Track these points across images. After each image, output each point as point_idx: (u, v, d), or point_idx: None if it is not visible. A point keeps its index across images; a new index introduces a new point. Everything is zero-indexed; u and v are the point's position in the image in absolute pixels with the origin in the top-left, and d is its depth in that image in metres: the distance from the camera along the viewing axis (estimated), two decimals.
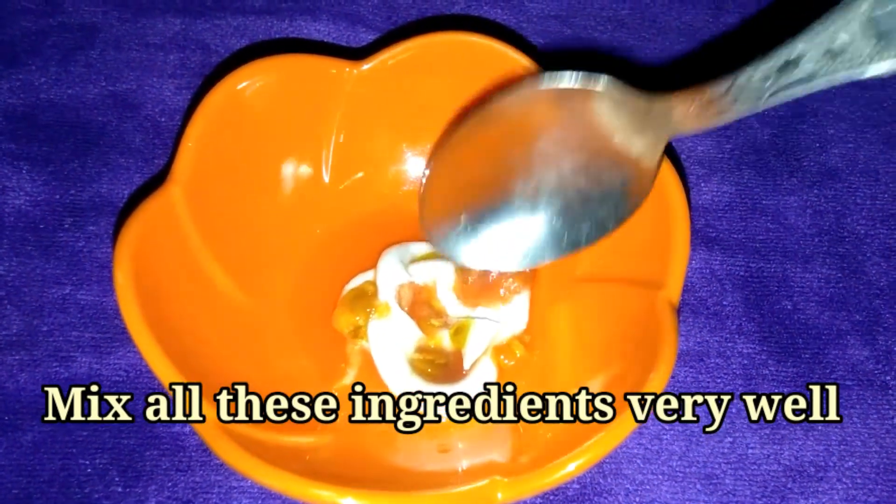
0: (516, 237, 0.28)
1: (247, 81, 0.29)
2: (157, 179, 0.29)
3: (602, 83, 0.24)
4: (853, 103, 0.37)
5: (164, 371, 0.24)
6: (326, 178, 0.32)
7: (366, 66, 0.31)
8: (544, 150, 0.26)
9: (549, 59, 0.38)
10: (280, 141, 0.31)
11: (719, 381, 0.31)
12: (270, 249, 0.31)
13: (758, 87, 0.22)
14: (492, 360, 0.30)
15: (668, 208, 0.27)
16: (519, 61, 0.31)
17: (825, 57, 0.20)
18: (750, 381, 0.31)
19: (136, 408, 0.29)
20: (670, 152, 0.35)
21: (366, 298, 0.30)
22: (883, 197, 0.35)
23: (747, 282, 0.33)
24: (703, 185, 0.35)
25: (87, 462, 0.28)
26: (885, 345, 0.32)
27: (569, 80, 0.25)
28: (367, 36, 0.38)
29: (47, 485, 0.28)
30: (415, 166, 0.33)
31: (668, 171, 0.28)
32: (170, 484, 0.28)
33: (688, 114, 0.24)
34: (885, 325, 0.32)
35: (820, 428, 0.30)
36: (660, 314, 0.26)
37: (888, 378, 0.31)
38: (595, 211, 0.27)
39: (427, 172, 0.28)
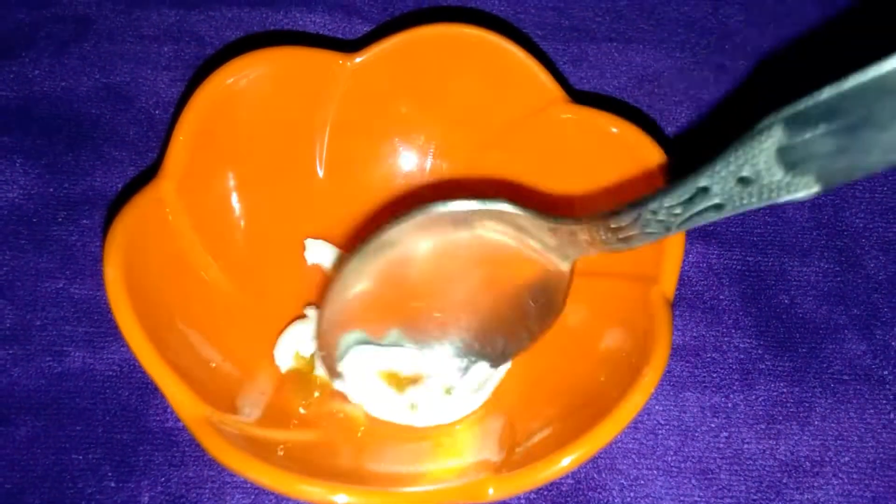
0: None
1: (239, 74, 0.29)
2: (151, 172, 0.29)
3: (502, 206, 0.24)
4: None
5: (154, 367, 0.23)
6: (320, 172, 0.32)
7: (359, 58, 0.31)
8: (446, 275, 0.26)
9: (547, 51, 0.38)
10: (273, 134, 0.31)
11: (715, 375, 0.31)
12: (263, 243, 0.31)
13: (668, 215, 0.21)
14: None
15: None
16: (515, 54, 0.30)
17: (736, 187, 0.20)
18: (746, 376, 0.31)
19: (129, 402, 0.29)
20: (665, 143, 0.35)
21: (305, 381, 0.29)
22: (881, 190, 0.35)
23: (744, 276, 0.33)
24: None
25: (80, 457, 0.28)
26: (882, 339, 0.32)
27: (466, 203, 0.24)
28: (363, 27, 0.38)
29: (40, 480, 0.28)
30: (409, 160, 0.33)
31: (664, 165, 0.28)
32: (163, 479, 0.28)
33: (594, 240, 0.24)
34: (883, 319, 0.32)
35: (816, 423, 0.30)
36: (654, 308, 0.26)
37: (885, 372, 0.31)
38: (505, 334, 0.27)
39: (325, 304, 0.26)
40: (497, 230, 0.25)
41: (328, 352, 0.27)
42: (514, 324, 0.27)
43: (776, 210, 0.34)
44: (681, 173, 0.21)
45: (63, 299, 0.31)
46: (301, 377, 0.29)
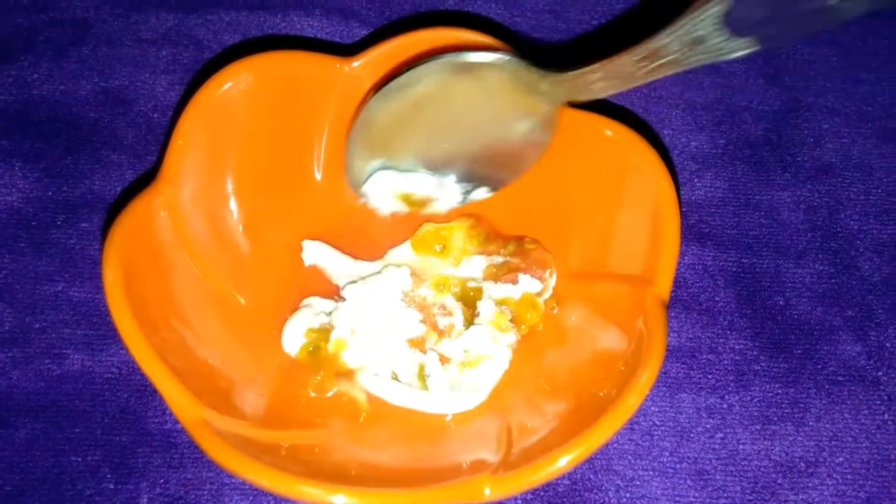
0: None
1: (237, 78, 0.29)
2: (149, 176, 0.29)
3: (501, 58, 0.28)
4: (847, 98, 0.37)
5: (153, 369, 0.24)
6: (318, 175, 0.32)
7: (357, 62, 0.31)
8: (452, 114, 0.30)
9: (543, 53, 0.38)
10: (271, 137, 0.31)
11: (710, 376, 0.31)
12: (261, 246, 0.31)
13: (634, 66, 0.26)
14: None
15: (658, 205, 0.27)
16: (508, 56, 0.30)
17: (688, 45, 0.24)
18: (741, 377, 0.31)
19: (128, 404, 0.30)
20: (662, 148, 0.35)
21: (316, 357, 0.30)
22: (876, 192, 0.35)
23: (740, 277, 0.33)
24: (696, 180, 0.35)
25: (80, 459, 0.29)
26: (877, 340, 0.32)
27: (472, 54, 0.28)
28: (360, 31, 0.38)
29: (39, 481, 0.28)
30: None
31: (658, 168, 0.28)
32: (161, 481, 0.28)
33: (575, 87, 0.28)
34: (878, 320, 0.32)
35: (811, 424, 0.30)
36: (649, 310, 0.26)
37: (879, 374, 0.31)
38: (498, 168, 0.31)
39: (351, 135, 0.30)
40: (497, 77, 0.28)
41: (355, 176, 0.31)
42: (509, 154, 0.31)
43: (771, 212, 0.34)
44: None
45: (62, 302, 0.31)
46: (312, 354, 0.30)
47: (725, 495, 0.29)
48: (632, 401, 0.24)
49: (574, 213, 0.31)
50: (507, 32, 0.38)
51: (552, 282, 0.31)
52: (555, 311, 0.30)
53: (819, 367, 0.31)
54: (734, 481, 0.29)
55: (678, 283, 0.33)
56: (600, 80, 0.27)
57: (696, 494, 0.29)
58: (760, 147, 0.36)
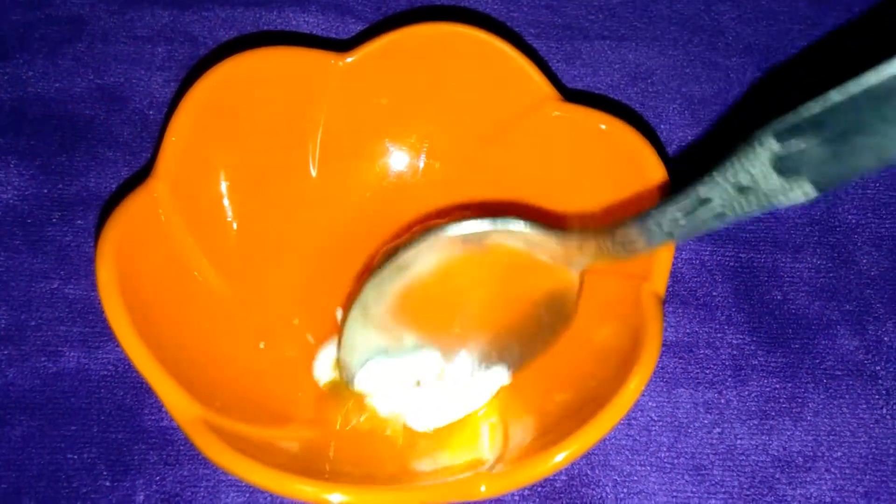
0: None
1: (232, 74, 0.29)
2: (145, 173, 0.29)
3: (512, 225, 0.26)
4: None
5: (147, 367, 0.24)
6: (313, 172, 0.32)
7: (351, 57, 0.31)
8: (461, 289, 0.28)
9: (539, 49, 0.38)
10: (266, 134, 0.31)
11: (708, 371, 0.31)
12: (257, 243, 0.31)
13: (670, 226, 0.23)
14: None
15: (654, 200, 0.27)
16: (508, 52, 0.30)
17: (735, 195, 0.21)
18: (739, 372, 0.31)
19: (124, 402, 0.29)
20: (658, 141, 0.35)
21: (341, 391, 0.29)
22: (874, 186, 0.35)
23: (737, 272, 0.33)
24: (693, 174, 0.35)
25: (76, 456, 0.29)
26: (874, 334, 0.32)
27: (477, 224, 0.26)
28: (356, 27, 0.38)
29: (36, 479, 0.28)
30: (402, 159, 0.33)
31: (654, 162, 0.28)
32: (158, 478, 0.28)
33: (600, 251, 0.25)
34: (875, 314, 0.32)
35: (809, 418, 0.30)
36: (645, 305, 0.26)
37: (878, 368, 0.31)
38: (521, 342, 0.29)
39: (345, 319, 0.28)
40: (508, 246, 0.26)
41: (348, 373, 0.29)
42: (529, 331, 0.28)
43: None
44: (682, 183, 0.22)
45: (57, 299, 0.31)
46: (337, 388, 0.29)
47: (723, 490, 0.29)
48: (629, 396, 0.24)
49: (569, 207, 0.30)
50: (503, 27, 0.38)
51: None
52: None
53: (817, 361, 0.31)
54: (732, 476, 0.29)
55: (675, 278, 0.33)
56: (634, 242, 0.24)
57: (694, 489, 0.29)
58: None
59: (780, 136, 0.19)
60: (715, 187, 0.21)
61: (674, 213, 0.22)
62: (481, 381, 0.29)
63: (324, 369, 0.30)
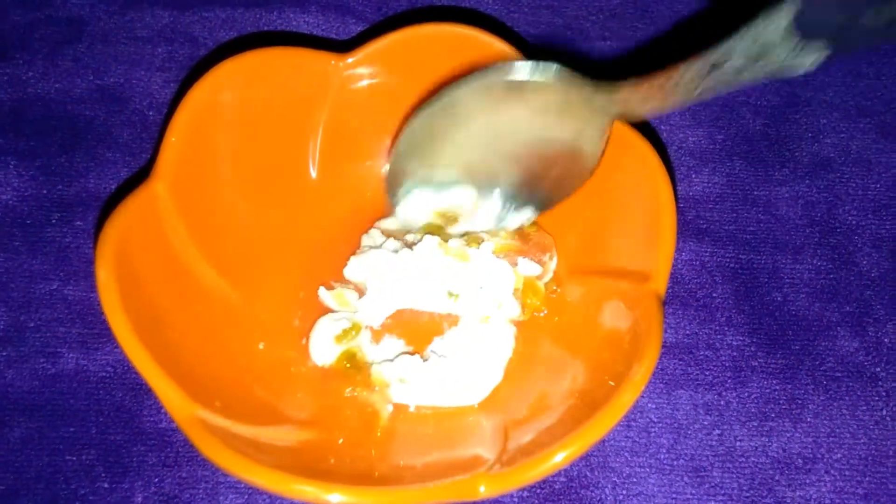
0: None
1: (231, 75, 0.29)
2: (144, 174, 0.29)
3: (551, 72, 0.27)
4: (847, 93, 0.37)
5: (146, 367, 0.24)
6: (313, 172, 0.32)
7: (352, 58, 0.31)
8: (499, 132, 0.29)
9: (540, 49, 0.38)
10: (266, 135, 0.31)
11: (708, 372, 0.31)
12: (256, 243, 0.31)
13: (691, 81, 0.24)
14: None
15: (655, 200, 0.27)
16: (507, 53, 0.30)
17: (753, 55, 0.22)
18: (739, 374, 0.31)
19: (123, 403, 0.29)
20: (659, 143, 0.35)
21: (356, 362, 0.30)
22: (875, 187, 0.35)
23: (737, 273, 0.33)
24: (693, 176, 0.35)
25: (74, 458, 0.28)
26: (874, 336, 0.32)
27: (519, 70, 0.27)
28: (356, 27, 0.38)
29: (34, 481, 0.28)
30: None
31: (655, 163, 0.28)
32: (156, 479, 0.28)
33: (629, 101, 0.26)
34: (876, 316, 0.32)
35: (808, 420, 0.30)
36: (646, 306, 0.26)
37: (877, 370, 0.31)
38: (545, 187, 0.30)
39: (394, 150, 0.30)
40: (546, 92, 0.27)
41: (394, 192, 0.31)
42: (558, 173, 0.30)
43: (769, 208, 0.34)
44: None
45: (57, 301, 0.31)
46: (349, 361, 0.29)
47: (723, 492, 0.29)
48: (628, 397, 0.24)
49: (570, 208, 0.30)
50: (504, 28, 0.38)
51: (553, 265, 0.31)
52: (555, 295, 0.30)
53: (817, 363, 0.31)
54: (731, 478, 0.29)
55: (675, 279, 0.32)
56: (657, 94, 0.25)
57: (694, 491, 0.29)
58: (758, 142, 0.36)
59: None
60: (735, 43, 0.22)
61: (698, 69, 0.23)
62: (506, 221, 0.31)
63: (323, 349, 0.29)
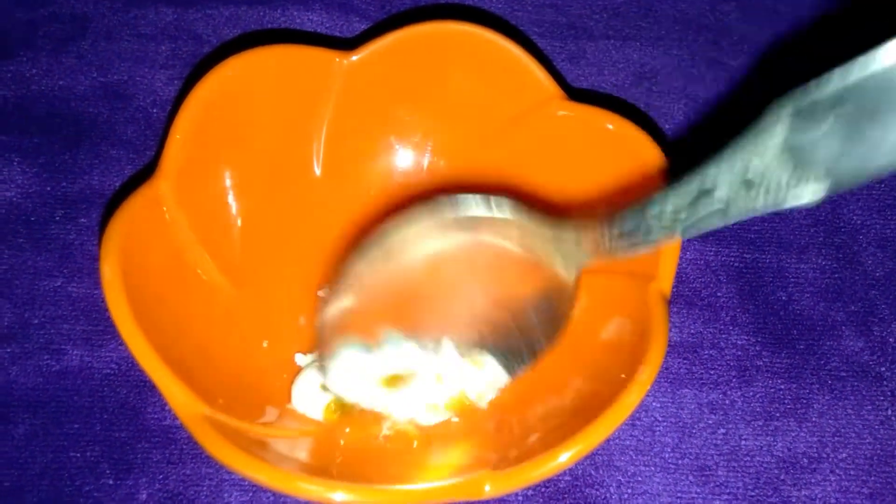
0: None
1: (236, 73, 0.29)
2: (149, 171, 0.29)
3: (507, 209, 0.24)
4: None
5: (151, 365, 0.24)
6: (318, 171, 0.32)
7: (356, 56, 0.31)
8: (451, 279, 0.26)
9: (544, 48, 0.38)
10: (270, 133, 0.31)
11: (713, 372, 0.31)
12: (261, 241, 0.31)
13: (670, 219, 0.21)
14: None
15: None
16: (512, 51, 0.30)
17: (740, 187, 0.19)
18: (744, 373, 0.31)
19: (127, 400, 0.29)
20: (663, 142, 0.35)
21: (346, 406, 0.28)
22: (880, 187, 0.35)
23: (742, 273, 0.33)
24: None
25: (79, 455, 0.28)
26: (880, 335, 0.32)
27: (472, 207, 0.24)
28: (360, 25, 0.38)
29: (38, 477, 0.28)
30: (406, 157, 0.33)
31: (661, 162, 0.28)
32: (161, 477, 0.28)
33: (599, 246, 0.23)
34: (881, 315, 0.32)
35: (814, 419, 0.30)
36: (651, 305, 0.26)
37: (883, 369, 0.31)
38: (509, 343, 0.27)
39: (323, 298, 0.27)
40: (500, 239, 0.25)
41: (323, 354, 0.27)
42: (517, 336, 0.27)
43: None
44: (683, 172, 0.21)
45: (61, 298, 0.31)
46: (340, 408, 0.28)
47: (728, 491, 0.29)
48: (633, 396, 0.23)
49: (576, 208, 0.30)
50: (508, 26, 0.38)
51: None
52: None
53: (822, 362, 0.31)
54: (736, 477, 0.29)
55: (680, 279, 0.32)
56: (632, 237, 0.22)
57: (699, 490, 0.29)
58: None
59: (794, 119, 0.17)
60: (719, 177, 0.19)
61: (674, 203, 0.20)
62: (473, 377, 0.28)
63: (310, 401, 0.28)
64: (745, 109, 0.37)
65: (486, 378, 0.27)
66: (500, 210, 0.24)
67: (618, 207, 0.23)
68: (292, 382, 0.29)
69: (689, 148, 0.36)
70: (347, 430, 0.27)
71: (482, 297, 0.27)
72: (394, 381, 0.28)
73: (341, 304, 0.26)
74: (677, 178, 0.21)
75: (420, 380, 0.28)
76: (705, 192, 0.20)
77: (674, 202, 0.21)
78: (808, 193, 0.17)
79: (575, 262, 0.25)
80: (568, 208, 0.30)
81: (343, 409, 0.28)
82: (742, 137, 0.18)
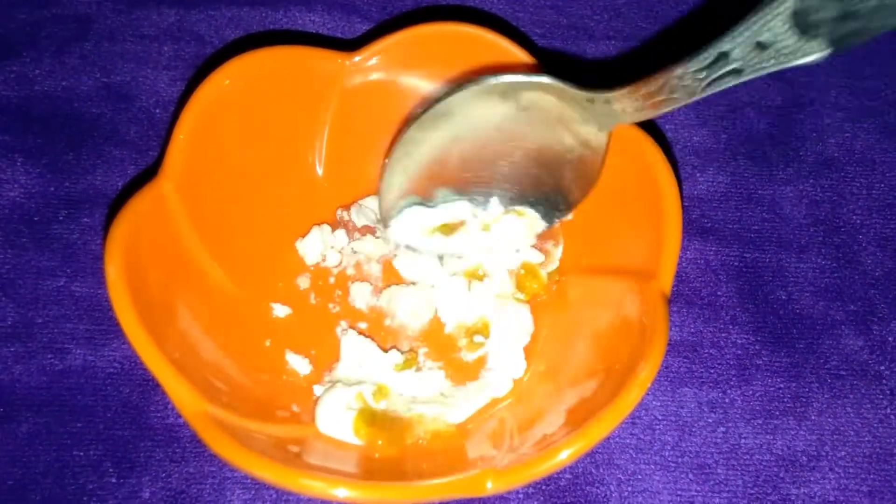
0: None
1: (238, 74, 0.29)
2: (151, 171, 0.30)
3: (544, 78, 0.26)
4: (851, 93, 0.37)
5: (155, 363, 0.24)
6: (319, 170, 0.32)
7: (357, 57, 0.31)
8: (496, 141, 0.29)
9: (545, 49, 0.38)
10: (273, 133, 0.31)
11: (713, 371, 0.31)
12: (263, 241, 0.31)
13: (692, 79, 0.24)
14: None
15: (659, 199, 0.27)
16: (512, 51, 0.31)
17: (753, 51, 0.22)
18: (743, 372, 0.31)
19: (130, 399, 0.30)
20: (664, 142, 0.35)
21: (377, 419, 0.28)
22: (879, 187, 0.35)
23: (742, 272, 0.33)
24: (698, 175, 0.35)
25: (82, 453, 0.29)
26: (879, 334, 0.32)
27: (513, 74, 0.27)
28: (362, 26, 0.38)
29: (42, 476, 0.28)
30: None
31: (660, 162, 0.28)
32: (163, 475, 0.28)
33: (628, 106, 0.26)
34: (880, 314, 0.32)
35: (813, 418, 0.30)
36: (651, 304, 0.26)
37: (882, 368, 0.31)
38: (547, 196, 0.30)
39: (387, 163, 0.29)
40: (540, 102, 0.27)
41: (386, 210, 0.30)
42: (554, 189, 0.29)
43: (774, 207, 0.34)
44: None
45: (64, 297, 0.31)
46: (370, 422, 0.28)
47: (727, 489, 0.29)
48: (633, 395, 0.24)
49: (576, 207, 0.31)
50: (509, 27, 0.38)
51: (558, 253, 0.31)
52: (555, 287, 0.31)
53: (821, 361, 0.31)
54: (736, 475, 0.29)
55: (680, 278, 0.33)
56: (657, 95, 0.25)
57: (698, 488, 0.29)
58: (763, 142, 0.36)
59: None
60: (735, 41, 0.22)
61: (695, 67, 0.23)
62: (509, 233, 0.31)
63: (338, 421, 0.28)
64: (746, 107, 0.37)
65: (526, 225, 0.31)
66: (538, 76, 0.26)
67: (649, 74, 0.25)
68: (300, 389, 0.29)
69: (689, 146, 0.36)
70: (380, 442, 0.27)
71: (523, 155, 0.29)
72: (447, 228, 0.31)
73: (400, 167, 0.29)
74: (698, 47, 0.23)
75: (470, 227, 0.31)
76: (723, 55, 0.22)
77: (695, 64, 0.23)
78: (815, 54, 0.21)
79: (607, 121, 0.27)
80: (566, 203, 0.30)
81: (373, 421, 0.28)
82: (756, 9, 0.21)
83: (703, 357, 0.31)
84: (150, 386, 0.30)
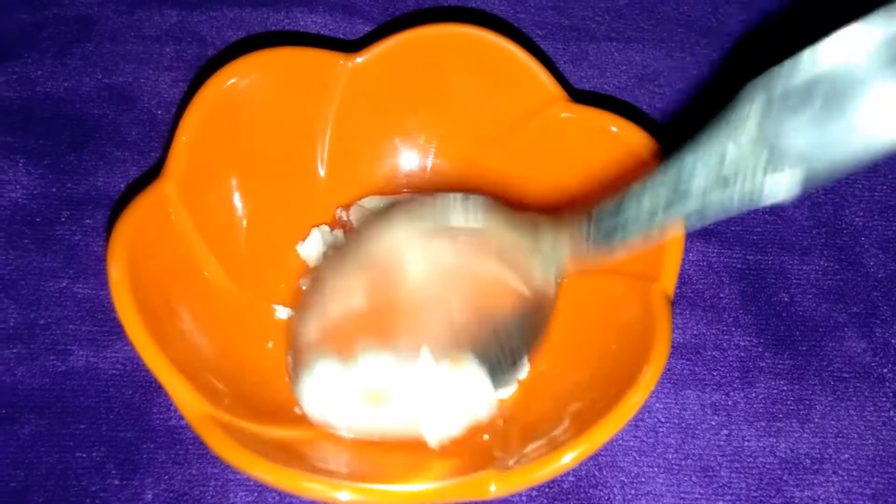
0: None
1: (240, 75, 0.29)
2: (153, 173, 0.30)
3: (481, 220, 0.23)
4: None
5: (158, 365, 0.24)
6: (322, 172, 0.32)
7: (360, 58, 0.31)
8: (426, 292, 0.26)
9: (547, 50, 0.38)
10: (275, 134, 0.31)
11: (715, 373, 0.31)
12: (266, 243, 0.31)
13: (647, 218, 0.21)
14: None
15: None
16: (515, 53, 0.31)
17: (716, 179, 0.18)
18: (746, 374, 0.31)
19: (132, 401, 0.30)
20: (665, 142, 0.35)
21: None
22: (881, 189, 0.35)
23: (744, 274, 0.33)
24: None
25: (85, 455, 0.29)
26: (882, 337, 0.32)
27: (446, 216, 0.23)
28: (364, 27, 0.38)
29: (44, 478, 0.28)
30: (410, 159, 0.33)
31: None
32: (166, 477, 0.28)
33: (577, 249, 0.23)
34: (883, 317, 0.32)
35: (816, 420, 0.30)
36: (654, 306, 0.26)
37: (885, 370, 0.31)
38: (496, 350, 0.26)
39: (296, 314, 0.26)
40: (475, 243, 0.25)
41: (297, 368, 0.27)
42: (497, 344, 0.26)
43: (776, 208, 0.34)
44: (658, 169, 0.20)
45: (66, 298, 0.31)
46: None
47: (731, 492, 0.29)
48: (636, 397, 0.24)
49: (576, 207, 0.30)
50: (511, 29, 0.38)
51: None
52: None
53: (824, 363, 0.31)
54: (739, 478, 0.29)
55: (683, 280, 0.33)
56: (612, 230, 0.22)
57: (702, 491, 0.29)
58: None
59: (766, 106, 0.17)
60: (696, 165, 0.19)
61: (650, 201, 0.20)
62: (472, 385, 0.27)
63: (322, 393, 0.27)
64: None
65: (469, 383, 0.27)
66: (475, 219, 0.24)
67: (593, 206, 0.22)
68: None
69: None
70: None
71: (459, 306, 0.26)
72: (375, 397, 0.27)
73: (315, 315, 0.25)
74: (651, 172, 0.20)
75: (401, 395, 0.27)
76: (682, 187, 0.19)
77: (650, 199, 0.20)
78: (784, 186, 0.17)
79: (554, 265, 0.24)
80: (568, 204, 0.30)
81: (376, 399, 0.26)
82: (716, 125, 0.18)
83: (705, 359, 0.31)
84: (152, 387, 0.30)
